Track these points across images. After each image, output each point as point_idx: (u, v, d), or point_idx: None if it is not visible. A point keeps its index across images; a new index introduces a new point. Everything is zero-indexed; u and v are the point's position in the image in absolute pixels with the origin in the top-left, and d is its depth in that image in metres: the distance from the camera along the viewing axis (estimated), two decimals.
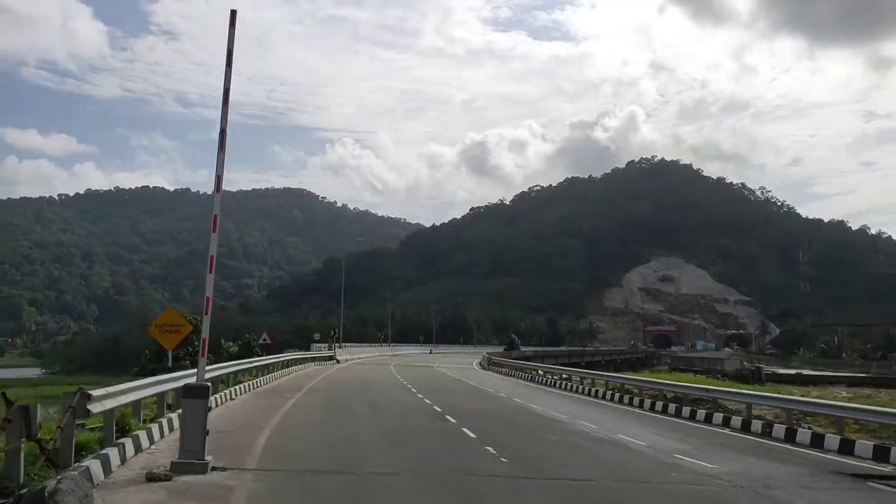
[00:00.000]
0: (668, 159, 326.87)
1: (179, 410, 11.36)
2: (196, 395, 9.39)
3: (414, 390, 25.73)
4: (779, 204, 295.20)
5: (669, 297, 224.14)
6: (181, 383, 12.84)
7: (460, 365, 54.17)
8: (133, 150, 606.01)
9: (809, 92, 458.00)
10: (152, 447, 11.05)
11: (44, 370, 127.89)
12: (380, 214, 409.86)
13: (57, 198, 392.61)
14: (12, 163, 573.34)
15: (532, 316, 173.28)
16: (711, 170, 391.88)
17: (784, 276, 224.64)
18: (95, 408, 8.90)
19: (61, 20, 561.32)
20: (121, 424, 10.66)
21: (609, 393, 25.53)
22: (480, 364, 56.76)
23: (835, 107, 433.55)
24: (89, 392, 8.61)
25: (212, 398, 17.30)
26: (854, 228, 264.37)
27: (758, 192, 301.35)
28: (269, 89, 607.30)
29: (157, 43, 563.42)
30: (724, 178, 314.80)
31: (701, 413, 18.48)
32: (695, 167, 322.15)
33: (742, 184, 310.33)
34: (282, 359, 34.71)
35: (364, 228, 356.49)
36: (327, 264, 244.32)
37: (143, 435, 11.00)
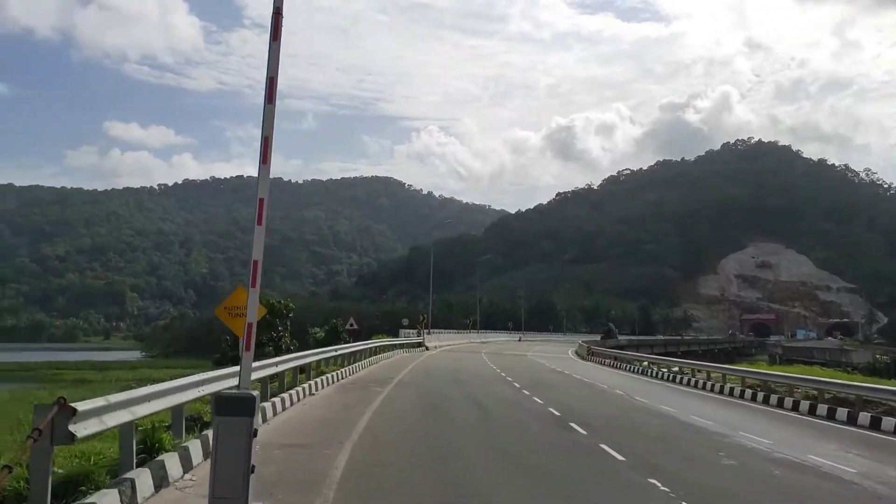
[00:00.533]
0: (766, 141, 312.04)
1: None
2: (234, 410, 5.92)
3: (517, 384, 22.75)
4: (885, 186, 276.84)
5: (768, 285, 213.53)
6: (217, 386, 9.97)
7: (555, 354, 51.53)
8: (228, 140, 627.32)
9: None
10: (187, 476, 7.96)
11: (143, 353, 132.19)
12: (464, 201, 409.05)
13: (157, 188, 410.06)
14: (116, 155, 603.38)
15: (623, 303, 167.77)
16: (811, 151, 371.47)
17: (892, 261, 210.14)
18: (84, 428, 5.89)
19: (160, 15, 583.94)
20: (151, 441, 7.87)
21: (739, 390, 21.94)
22: (577, 353, 53.77)
23: None
24: (74, 406, 5.62)
25: (289, 393, 15.34)
26: None
27: (862, 174, 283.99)
28: (358, 80, 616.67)
29: (249, 36, 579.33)
30: (826, 160, 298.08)
31: (889, 422, 14.77)
32: (794, 149, 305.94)
33: (845, 165, 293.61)
34: (370, 346, 32.61)
35: (449, 215, 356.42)
36: (413, 251, 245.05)
37: (172, 459, 7.87)
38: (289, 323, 33.18)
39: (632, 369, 34.33)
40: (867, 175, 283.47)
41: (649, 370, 31.33)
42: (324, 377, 20.24)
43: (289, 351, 31.52)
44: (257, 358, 28.39)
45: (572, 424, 13.49)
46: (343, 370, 23.76)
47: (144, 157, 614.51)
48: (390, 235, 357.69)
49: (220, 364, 26.68)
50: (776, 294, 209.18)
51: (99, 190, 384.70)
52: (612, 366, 38.07)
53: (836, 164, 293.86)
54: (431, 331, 57.88)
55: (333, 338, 38.95)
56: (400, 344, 43.90)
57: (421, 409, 15.76)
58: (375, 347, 34.12)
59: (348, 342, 33.04)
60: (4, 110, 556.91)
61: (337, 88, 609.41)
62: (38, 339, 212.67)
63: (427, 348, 49.78)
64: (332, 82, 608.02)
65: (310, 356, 19.59)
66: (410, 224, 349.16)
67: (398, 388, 20.75)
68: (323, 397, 17.62)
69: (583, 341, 69.94)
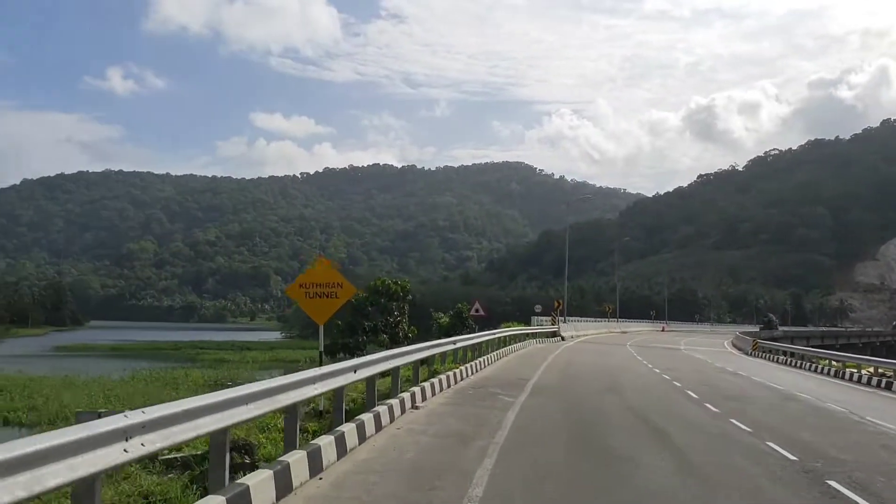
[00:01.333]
0: None
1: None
2: None
3: (693, 394, 16.93)
4: None
5: None
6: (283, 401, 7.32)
7: (711, 348, 46.72)
8: (364, 129, 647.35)
9: None
10: None
11: (283, 334, 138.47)
12: (598, 185, 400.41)
13: (299, 176, 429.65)
14: (262, 145, 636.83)
15: (771, 292, 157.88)
16: None
17: None
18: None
19: (300, 8, 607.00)
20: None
21: None
22: (735, 346, 49.79)
23: None
24: None
25: (388, 403, 11.35)
26: None
27: None
28: (491, 65, 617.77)
29: (386, 27, 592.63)
30: None
31: None
32: None
33: None
34: (497, 335, 28.17)
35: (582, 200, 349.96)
36: (544, 236, 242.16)
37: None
38: (406, 307, 31.43)
39: (817, 369, 28.70)
40: None
41: (842, 371, 26.26)
42: (437, 378, 15.81)
43: (406, 339, 29.42)
44: (372, 346, 27.60)
45: (834, 485, 8.07)
46: (463, 368, 18.92)
47: (288, 147, 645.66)
48: (521, 221, 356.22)
49: (331, 353, 26.21)
50: None
51: (247, 178, 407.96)
52: (789, 363, 32.53)
53: None
54: (567, 318, 54.18)
55: (458, 323, 37.87)
56: (532, 333, 40.26)
57: (575, 447, 10.27)
58: (505, 337, 30.24)
59: (474, 329, 31.67)
60: (163, 104, 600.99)
61: (471, 75, 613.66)
62: (190, 318, 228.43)
63: (563, 338, 46.43)
64: (466, 69, 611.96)
65: (413, 352, 14.59)
66: (541, 209, 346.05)
67: (535, 397, 15.51)
68: (429, 414, 12.41)
69: (740, 332, 65.55)
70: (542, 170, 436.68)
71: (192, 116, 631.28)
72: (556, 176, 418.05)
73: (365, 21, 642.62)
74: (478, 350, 23.01)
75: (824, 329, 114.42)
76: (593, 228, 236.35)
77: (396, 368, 12.74)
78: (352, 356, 28.77)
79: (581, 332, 54.84)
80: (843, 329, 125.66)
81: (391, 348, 26.62)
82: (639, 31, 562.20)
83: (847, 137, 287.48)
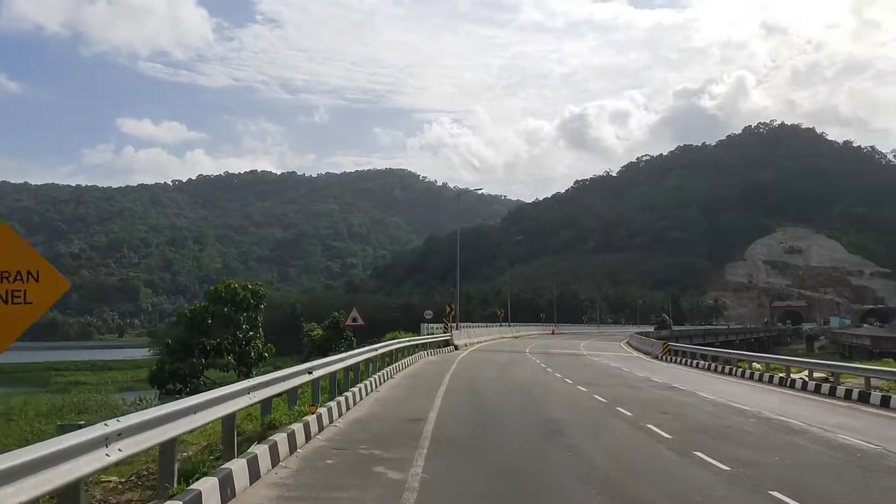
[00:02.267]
0: (788, 124, 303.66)
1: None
2: None
3: (668, 436, 11.41)
4: None
5: (797, 271, 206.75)
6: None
7: (614, 352, 44.08)
8: (240, 135, 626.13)
9: None
10: None
11: (150, 350, 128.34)
12: (479, 192, 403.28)
13: (171, 184, 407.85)
14: (130, 152, 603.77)
15: (650, 293, 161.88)
16: (833, 135, 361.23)
17: None
18: None
19: (168, 10, 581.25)
20: None
21: None
22: (636, 349, 47.53)
23: None
24: None
25: None
26: None
27: (890, 156, 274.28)
28: (371, 73, 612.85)
29: (262, 31, 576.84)
30: (852, 142, 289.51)
31: None
32: (818, 131, 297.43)
33: (871, 147, 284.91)
34: (377, 352, 20.80)
35: (464, 207, 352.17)
36: (429, 242, 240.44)
37: None
38: (260, 318, 25.54)
39: (746, 374, 25.83)
40: (895, 157, 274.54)
41: (786, 379, 23.80)
42: (269, 442, 8.78)
43: (262, 359, 24.32)
44: (211, 371, 21.97)
45: None
46: (324, 410, 11.97)
47: (158, 154, 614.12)
48: (405, 228, 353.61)
49: (158, 384, 21.17)
50: (806, 280, 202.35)
51: (114, 187, 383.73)
52: (710, 368, 29.54)
53: (863, 147, 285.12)
54: (459, 325, 49.05)
55: (334, 336, 33.38)
56: (423, 343, 34.56)
57: None
58: (388, 352, 23.34)
59: (352, 342, 27.20)
60: (19, 109, 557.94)
61: (351, 82, 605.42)
62: (52, 337, 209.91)
63: (457, 347, 41.86)
64: (346, 76, 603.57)
65: (208, 406, 7.60)
66: (425, 216, 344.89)
67: (439, 461, 9.31)
68: None
69: (636, 333, 64.62)
70: (425, 177, 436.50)
71: (52, 122, 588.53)
72: (439, 183, 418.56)
73: (239, 25, 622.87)
74: (353, 376, 16.37)
75: (706, 327, 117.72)
76: (477, 234, 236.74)
77: (171, 444, 6.70)
78: (185, 387, 22.08)
79: (475, 339, 51.23)
80: (726, 327, 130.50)
81: (241, 372, 20.76)
82: (515, 42, 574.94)
83: (713, 143, 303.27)
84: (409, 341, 30.83)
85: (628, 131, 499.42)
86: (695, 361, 32.98)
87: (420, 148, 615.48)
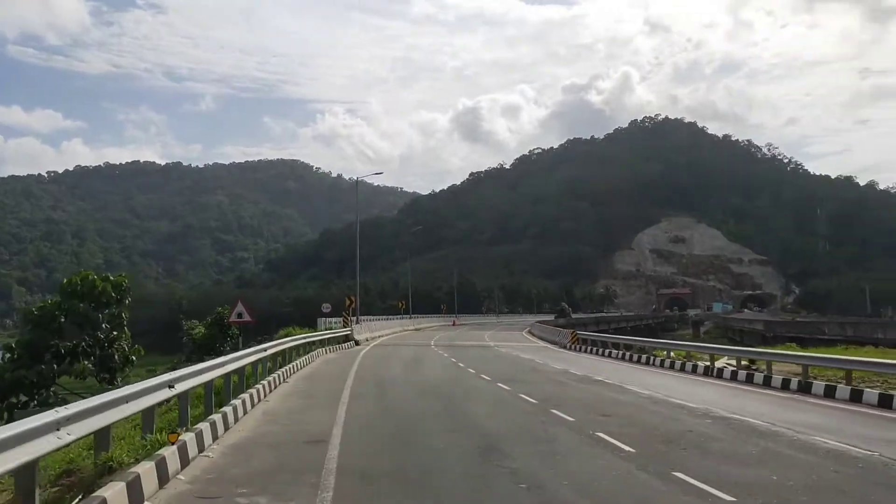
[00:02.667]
0: (672, 118, 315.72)
1: None
2: None
3: (630, 450, 9.57)
4: (786, 161, 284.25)
5: (682, 259, 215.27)
6: None
7: (519, 342, 42.89)
8: (122, 125, 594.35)
9: (805, 49, 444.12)
10: None
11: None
12: (375, 184, 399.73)
13: (46, 175, 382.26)
14: None
15: (544, 282, 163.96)
16: (713, 129, 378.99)
17: (799, 234, 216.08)
18: None
19: None
20: None
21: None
22: (537, 336, 46.46)
23: (831, 64, 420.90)
24: None
25: None
26: (862, 184, 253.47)
27: (765, 150, 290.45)
28: (261, 62, 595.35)
29: (143, 17, 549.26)
30: (730, 136, 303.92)
31: None
32: (699, 125, 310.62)
33: (748, 141, 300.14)
34: (267, 353, 17.73)
35: (360, 198, 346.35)
36: (324, 234, 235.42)
37: None
38: (126, 315, 22.55)
39: (665, 364, 24.72)
40: (769, 150, 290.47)
41: (677, 363, 23.21)
42: (99, 499, 5.99)
43: (128, 363, 21.37)
44: (66, 379, 18.46)
45: None
46: (189, 438, 8.96)
47: (30, 143, 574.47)
48: (299, 220, 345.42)
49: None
50: (690, 268, 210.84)
51: None
52: (624, 358, 28.48)
53: (741, 140, 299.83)
54: (360, 318, 46.33)
55: (218, 334, 30.22)
56: (321, 339, 31.97)
57: None
58: (279, 352, 20.39)
59: (237, 341, 24.21)
60: None
61: (239, 71, 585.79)
62: None
63: (357, 342, 39.63)
64: (234, 65, 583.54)
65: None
66: (320, 208, 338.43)
67: None
68: None
69: (537, 322, 64.09)
70: (319, 168, 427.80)
71: None
72: (334, 174, 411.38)
73: (119, 9, 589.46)
74: (232, 387, 13.25)
75: (599, 315, 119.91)
76: (373, 226, 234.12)
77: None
78: (31, 398, 18.86)
79: (377, 333, 48.81)
80: (618, 314, 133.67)
81: (104, 379, 17.46)
82: (408, 34, 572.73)
83: (601, 137, 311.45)
84: (304, 338, 28.13)
85: (520, 125, 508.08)
86: (606, 350, 31.90)
87: (313, 138, 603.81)
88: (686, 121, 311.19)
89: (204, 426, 9.80)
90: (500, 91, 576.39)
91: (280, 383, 18.22)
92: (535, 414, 13.06)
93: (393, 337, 50.59)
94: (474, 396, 16.05)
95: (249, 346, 18.09)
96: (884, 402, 14.26)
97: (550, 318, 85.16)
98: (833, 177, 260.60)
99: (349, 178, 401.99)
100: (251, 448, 9.91)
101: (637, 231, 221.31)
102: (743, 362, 20.93)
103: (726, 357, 23.02)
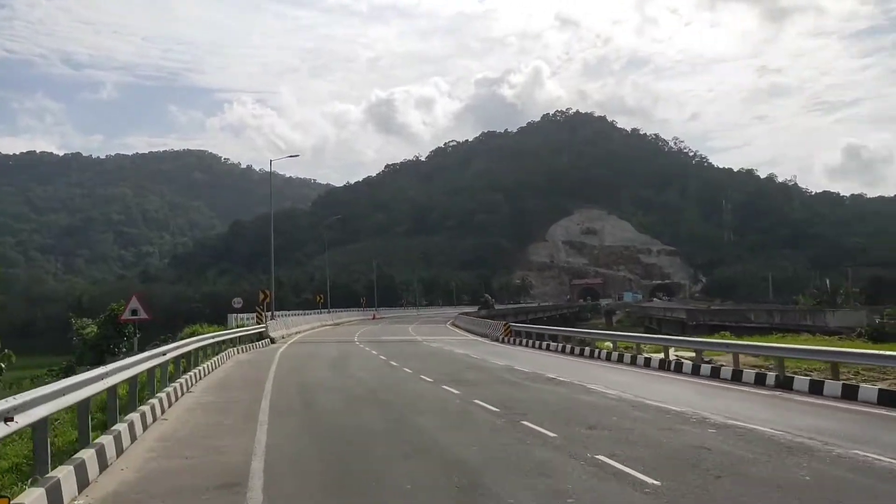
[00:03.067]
0: (583, 112, 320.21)
1: None
2: None
3: (647, 478, 7.51)
4: (692, 154, 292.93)
5: (594, 250, 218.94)
6: None
7: (447, 335, 41.03)
8: (15, 113, 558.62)
9: (708, 47, 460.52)
10: None
11: None
12: (287, 175, 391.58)
13: None
14: None
15: (461, 273, 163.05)
16: (622, 123, 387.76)
17: (705, 224, 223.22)
18: None
19: None
20: None
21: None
22: (462, 328, 44.43)
23: (731, 62, 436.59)
24: None
25: None
26: (762, 177, 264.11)
27: (671, 144, 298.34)
28: (165, 49, 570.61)
29: (38, 0, 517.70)
30: (639, 130, 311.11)
31: None
32: (609, 119, 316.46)
33: (656, 135, 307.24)
34: (167, 356, 14.54)
35: (273, 190, 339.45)
36: (234, 227, 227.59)
37: None
38: None
39: (599, 356, 23.84)
40: (675, 144, 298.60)
41: (626, 356, 21.87)
42: None
43: None
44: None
45: None
46: (35, 496, 6.07)
47: None
48: (207, 212, 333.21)
49: None
50: (601, 258, 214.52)
51: None
52: (564, 350, 26.78)
53: (648, 134, 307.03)
54: (275, 313, 43.23)
55: (114, 334, 26.83)
56: (230, 338, 28.60)
57: None
58: (183, 355, 17.16)
59: (133, 344, 21.04)
60: None
61: (143, 59, 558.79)
62: None
63: (273, 339, 36.90)
64: (137, 52, 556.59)
65: None
66: (230, 200, 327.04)
67: None
68: None
69: (460, 314, 62.65)
70: (228, 159, 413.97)
71: None
72: (244, 165, 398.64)
73: None
74: (124, 396, 10.85)
75: (517, 306, 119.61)
76: (286, 218, 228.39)
77: None
78: None
79: (294, 330, 45.75)
80: (535, 304, 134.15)
81: None
82: (321, 24, 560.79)
83: (515, 130, 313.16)
84: (213, 337, 24.72)
85: (434, 117, 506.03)
86: (542, 343, 30.09)
87: (221, 129, 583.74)
88: (596, 115, 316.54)
89: (64, 472, 6.91)
90: (415, 83, 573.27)
91: (183, 394, 15.29)
92: (505, 430, 10.67)
93: (311, 333, 47.66)
94: (423, 406, 13.44)
95: (150, 347, 15.04)
96: (886, 400, 12.64)
97: (471, 309, 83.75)
98: (735, 170, 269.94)
99: (259, 170, 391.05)
100: (134, 499, 7.16)
101: (551, 223, 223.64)
102: (687, 354, 19.31)
103: (673, 348, 21.35)
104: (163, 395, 13.16)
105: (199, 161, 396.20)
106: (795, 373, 15.88)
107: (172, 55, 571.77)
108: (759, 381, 15.86)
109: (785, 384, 15.03)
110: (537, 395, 14.62)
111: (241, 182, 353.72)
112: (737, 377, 16.63)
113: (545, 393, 15.07)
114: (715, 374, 17.42)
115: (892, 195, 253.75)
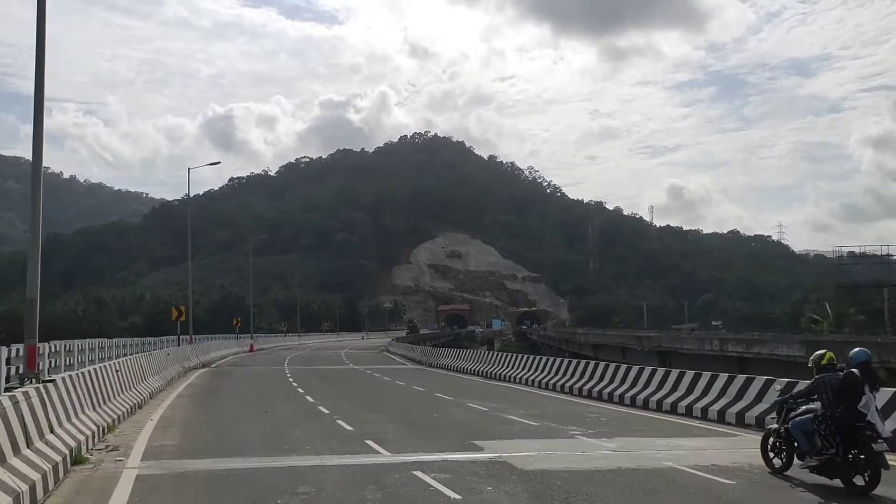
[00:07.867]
0: (441, 136, 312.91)
1: None
2: None
3: None
4: (545, 184, 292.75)
5: (459, 275, 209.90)
6: None
7: (386, 364, 32.48)
8: None
9: (548, 87, 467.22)
10: None
11: None
12: (115, 188, 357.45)
13: None
14: None
15: (323, 296, 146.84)
16: (478, 150, 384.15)
17: (567, 252, 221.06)
18: None
19: None
20: None
21: None
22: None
23: (567, 104, 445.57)
24: None
25: None
26: (611, 209, 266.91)
27: (526, 172, 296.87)
28: None
29: None
30: (496, 157, 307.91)
31: None
32: (467, 145, 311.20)
33: (512, 163, 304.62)
34: None
35: (97, 203, 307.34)
36: (51, 241, 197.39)
37: None
38: None
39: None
40: (530, 173, 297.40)
41: None
42: None
43: None
44: None
45: None
46: None
47: None
48: (20, 225, 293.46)
49: None
50: (467, 283, 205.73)
51: None
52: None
53: (505, 162, 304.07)
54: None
55: None
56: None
57: None
58: None
59: None
60: None
61: None
62: None
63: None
64: None
65: None
66: (47, 211, 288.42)
67: None
68: None
69: (394, 339, 58.60)
70: (48, 168, 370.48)
71: None
72: (66, 175, 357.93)
73: None
74: None
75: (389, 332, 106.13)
76: (113, 233, 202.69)
77: None
78: None
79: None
80: (428, 331, 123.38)
81: None
82: (158, 36, 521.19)
83: (371, 150, 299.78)
84: None
85: (277, 136, 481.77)
86: None
87: None
88: (454, 139, 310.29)
89: None
90: (256, 102, 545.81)
91: None
92: None
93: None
94: None
95: None
96: None
97: (355, 335, 69.05)
98: (585, 201, 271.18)
99: (84, 181, 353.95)
100: None
101: (414, 245, 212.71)
102: None
103: None
104: None
105: (13, 169, 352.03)
106: None
107: None
108: None
109: None
110: None
111: (62, 193, 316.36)
112: None
113: None
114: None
115: (710, 232, 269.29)
